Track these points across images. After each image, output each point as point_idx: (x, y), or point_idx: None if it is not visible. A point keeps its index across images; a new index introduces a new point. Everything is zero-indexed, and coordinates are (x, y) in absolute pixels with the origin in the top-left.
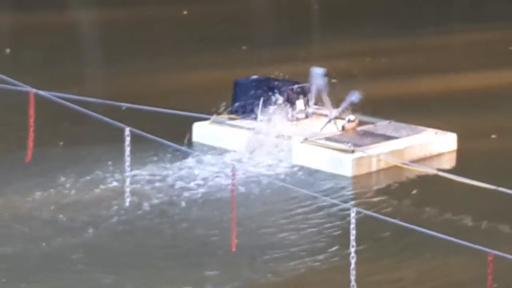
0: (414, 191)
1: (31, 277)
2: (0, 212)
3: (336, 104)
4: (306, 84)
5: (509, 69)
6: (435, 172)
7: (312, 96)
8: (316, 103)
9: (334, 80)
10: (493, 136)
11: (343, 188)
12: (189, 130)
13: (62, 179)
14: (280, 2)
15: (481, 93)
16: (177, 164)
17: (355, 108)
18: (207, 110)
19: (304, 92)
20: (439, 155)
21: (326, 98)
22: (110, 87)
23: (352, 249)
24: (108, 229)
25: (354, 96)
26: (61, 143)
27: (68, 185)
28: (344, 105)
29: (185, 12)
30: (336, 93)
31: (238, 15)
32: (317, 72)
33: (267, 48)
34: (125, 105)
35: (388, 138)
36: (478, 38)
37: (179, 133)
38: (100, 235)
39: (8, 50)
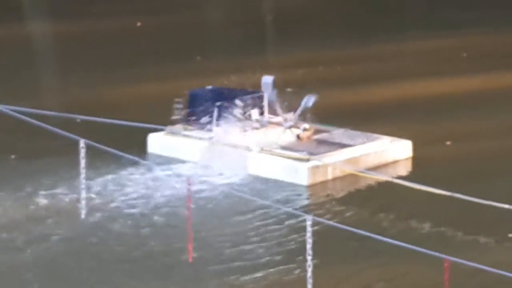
0: (371, 199)
1: None
2: None
3: (291, 111)
4: (260, 94)
5: (462, 76)
6: (390, 179)
7: (266, 105)
8: (271, 112)
9: (289, 89)
10: (447, 142)
11: (299, 196)
12: (144, 141)
13: (16, 192)
14: (234, 13)
15: (435, 100)
16: (133, 175)
17: (310, 113)
18: (162, 121)
19: (259, 102)
20: (395, 162)
21: (277, 107)
22: (65, 99)
23: (309, 258)
24: (62, 243)
25: (309, 100)
26: (14, 156)
27: (22, 198)
28: (299, 110)
29: (139, 24)
30: (291, 101)
31: (192, 26)
32: (267, 81)
33: (221, 58)
34: (79, 117)
35: (344, 146)
36: (431, 45)
37: (135, 144)
38: (54, 250)
39: None
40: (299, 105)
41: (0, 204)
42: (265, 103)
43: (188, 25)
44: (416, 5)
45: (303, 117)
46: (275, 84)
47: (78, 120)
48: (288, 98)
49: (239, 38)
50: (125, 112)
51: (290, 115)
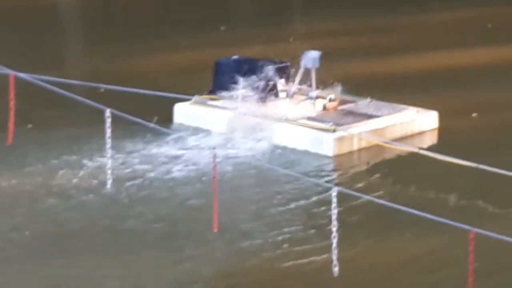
0: (396, 170)
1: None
2: None
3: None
4: (287, 64)
5: (487, 47)
6: (416, 150)
7: (297, 76)
8: (299, 83)
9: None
10: (474, 114)
11: (325, 167)
12: (170, 111)
13: (44, 160)
14: None
15: (461, 71)
16: (159, 145)
17: (336, 83)
18: (189, 91)
19: (285, 72)
20: (421, 133)
21: (313, 79)
22: (89, 69)
23: (334, 228)
24: (89, 211)
25: (315, 60)
26: (42, 125)
27: (49, 166)
28: (299, 72)
29: None
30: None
31: None
32: (313, 56)
33: (245, 28)
34: (104, 86)
35: (370, 116)
36: (456, 16)
37: (161, 114)
38: (81, 217)
39: None
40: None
41: (29, 171)
42: (299, 74)
43: None
44: None
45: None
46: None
47: (102, 90)
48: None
49: (262, 8)
50: (151, 82)
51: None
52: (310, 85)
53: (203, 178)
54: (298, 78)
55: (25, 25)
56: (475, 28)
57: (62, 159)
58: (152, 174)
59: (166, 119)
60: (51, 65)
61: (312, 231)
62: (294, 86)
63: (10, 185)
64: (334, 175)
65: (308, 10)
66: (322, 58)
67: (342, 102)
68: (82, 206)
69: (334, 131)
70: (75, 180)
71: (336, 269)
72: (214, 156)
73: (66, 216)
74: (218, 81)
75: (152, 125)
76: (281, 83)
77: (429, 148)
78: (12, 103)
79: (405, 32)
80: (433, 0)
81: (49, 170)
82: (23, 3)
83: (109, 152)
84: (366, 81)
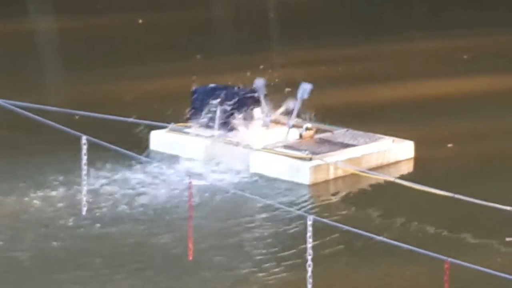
0: (372, 199)
1: None
2: None
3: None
4: (262, 93)
5: (464, 77)
6: (392, 179)
7: (265, 105)
8: (271, 113)
9: (288, 89)
10: (449, 145)
11: (300, 195)
12: (146, 138)
13: (19, 188)
14: (235, 11)
15: (438, 101)
16: (134, 172)
17: (311, 112)
18: (165, 118)
19: (261, 101)
20: (397, 162)
21: (265, 109)
22: (67, 95)
23: (309, 257)
24: (63, 239)
25: (305, 91)
26: (17, 152)
27: (24, 194)
28: (297, 103)
29: (140, 21)
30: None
31: (192, 23)
32: (259, 84)
33: (221, 57)
34: (81, 113)
35: (346, 146)
36: (434, 46)
37: (137, 141)
38: (54, 246)
39: None
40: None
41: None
42: (263, 104)
43: (188, 23)
44: (421, 4)
45: (304, 116)
46: (266, 86)
47: (77, 117)
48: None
49: (239, 37)
50: (127, 109)
51: (290, 113)
52: (287, 114)
53: (179, 205)
54: (296, 111)
55: (3, 51)
56: (452, 59)
57: (35, 185)
58: (127, 201)
59: (142, 146)
60: (29, 91)
61: (287, 259)
62: (269, 115)
63: None
64: (310, 204)
65: (285, 38)
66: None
67: (319, 131)
68: (57, 233)
69: (310, 159)
70: (50, 207)
71: None
72: (190, 183)
73: (41, 244)
74: (195, 108)
75: (128, 152)
76: (257, 112)
77: (405, 178)
78: None
79: (382, 62)
80: (411, 30)
81: (23, 197)
82: (0, 29)
83: (84, 179)
84: (342, 110)
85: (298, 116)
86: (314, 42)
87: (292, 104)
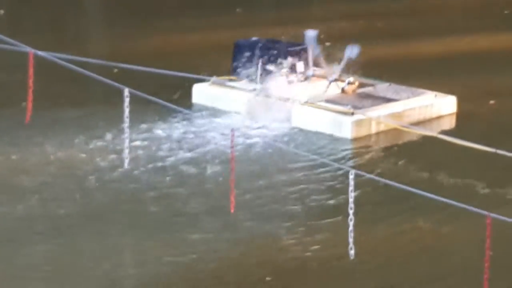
0: (414, 154)
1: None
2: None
3: (334, 64)
4: (305, 46)
5: (505, 33)
6: (434, 134)
7: (310, 58)
8: (315, 65)
9: (328, 43)
10: (491, 101)
11: (342, 150)
12: (189, 91)
13: (62, 139)
14: None
15: (478, 57)
16: (177, 125)
17: (354, 66)
18: (208, 71)
19: (304, 54)
20: (439, 117)
21: (321, 60)
22: (109, 48)
23: (351, 212)
24: (106, 190)
25: (353, 52)
26: (60, 103)
27: (67, 146)
28: (342, 62)
29: None
30: (334, 55)
31: None
32: (310, 35)
33: (262, 10)
34: (123, 66)
35: (388, 100)
36: (474, 0)
37: (180, 94)
38: (98, 196)
39: (1, 12)
40: (341, 57)
41: (43, 150)
42: (310, 56)
43: None
44: None
45: (347, 69)
46: (318, 38)
47: (115, 70)
48: (330, 51)
49: None
50: (170, 62)
51: (335, 68)
52: (324, 67)
53: (221, 158)
54: (311, 60)
55: (45, 4)
56: (492, 13)
57: (80, 137)
58: (170, 154)
59: (185, 99)
60: (71, 44)
61: (329, 213)
62: (312, 68)
63: (29, 163)
64: (352, 158)
65: None
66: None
67: (361, 85)
68: (100, 185)
69: (352, 114)
70: (92, 158)
71: (352, 252)
72: (232, 137)
73: (85, 195)
74: (237, 62)
75: (170, 105)
76: (300, 65)
77: (448, 133)
78: (31, 81)
79: (423, 16)
80: None
81: (66, 148)
82: None
83: (127, 131)
84: (384, 64)
85: (342, 72)
86: None
87: (352, 52)
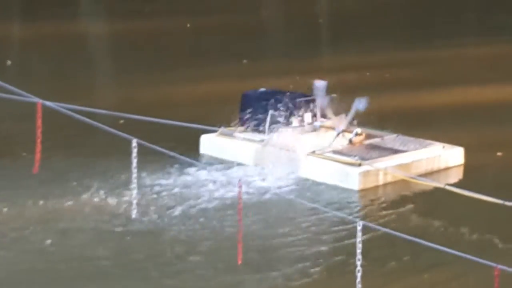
0: (422, 205)
1: None
2: (8, 220)
3: (341, 115)
4: (312, 97)
5: None
6: (442, 186)
7: (318, 109)
8: (323, 116)
9: (333, 95)
10: (499, 153)
11: (350, 201)
12: (196, 142)
13: (69, 190)
14: (284, 15)
15: (487, 108)
16: (184, 176)
17: (361, 118)
18: (215, 122)
19: (311, 105)
20: (446, 169)
21: (329, 111)
22: (117, 98)
23: (358, 263)
24: (114, 240)
25: (361, 104)
26: (68, 153)
27: (75, 196)
28: (350, 114)
29: (188, 25)
30: (341, 106)
31: (240, 28)
32: (319, 86)
33: (268, 61)
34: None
35: (396, 151)
36: (484, 52)
37: (186, 145)
38: (106, 246)
39: (9, 62)
40: (349, 109)
41: (53, 200)
42: (317, 107)
43: (235, 27)
44: (471, 9)
45: (354, 121)
46: (327, 89)
47: (121, 122)
48: (337, 102)
49: (286, 41)
50: (177, 112)
51: (342, 119)
52: (332, 118)
53: (228, 209)
54: (318, 110)
55: (54, 54)
56: (503, 64)
57: (86, 188)
58: (176, 204)
59: (192, 150)
60: (78, 93)
61: (336, 264)
62: (319, 119)
63: (37, 215)
64: (359, 209)
65: (333, 43)
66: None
67: (368, 137)
68: (107, 237)
69: (359, 165)
70: (100, 210)
71: None
72: (240, 188)
73: (92, 246)
74: (245, 113)
75: (178, 155)
76: (307, 116)
77: (455, 184)
78: (39, 131)
79: (432, 67)
80: (460, 36)
81: (73, 199)
82: (52, 31)
83: (134, 182)
84: (392, 116)
85: (349, 124)
86: (363, 47)
87: (360, 105)
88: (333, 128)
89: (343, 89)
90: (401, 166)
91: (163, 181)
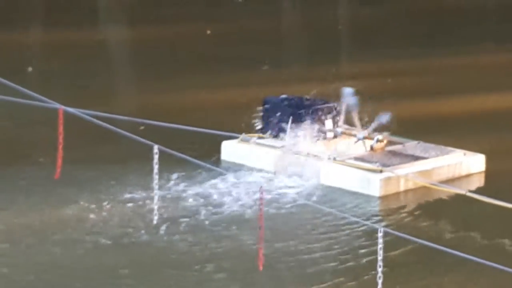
0: (443, 212)
1: None
2: (26, 227)
3: (364, 123)
4: (335, 104)
5: None
6: (464, 192)
7: (341, 115)
8: (345, 123)
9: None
10: None
11: (371, 207)
12: (217, 148)
13: (90, 196)
14: (304, 21)
15: (508, 114)
16: (205, 182)
17: (384, 128)
18: (235, 128)
19: (333, 112)
20: (468, 176)
21: (355, 118)
22: (137, 104)
23: (379, 270)
24: (134, 247)
25: (384, 118)
26: (89, 160)
27: (96, 202)
28: (373, 125)
29: (208, 32)
30: (363, 113)
31: (259, 34)
32: (348, 92)
33: (290, 67)
34: (151, 122)
35: (417, 158)
36: (505, 58)
37: (208, 151)
38: (126, 253)
39: (30, 69)
40: (372, 118)
41: (75, 207)
42: (342, 113)
43: (255, 34)
44: (490, 17)
45: (377, 130)
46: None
47: (141, 128)
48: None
49: (307, 48)
50: (198, 118)
51: (364, 127)
52: (356, 125)
53: (249, 216)
54: (342, 117)
55: (74, 60)
56: None
57: (107, 194)
58: (198, 211)
59: (213, 156)
60: (99, 99)
61: (357, 270)
62: (341, 126)
63: (58, 218)
64: (380, 216)
65: (352, 50)
66: (356, 95)
67: (389, 143)
68: (129, 243)
69: (381, 171)
70: (121, 216)
71: None
72: (261, 194)
73: (113, 253)
74: (266, 119)
75: (199, 162)
76: (329, 123)
77: (477, 191)
78: (61, 137)
79: (452, 74)
80: (480, 42)
81: (95, 205)
82: (72, 38)
83: (156, 188)
84: (413, 122)
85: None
86: (384, 53)
87: (383, 119)
88: (354, 135)
89: (364, 96)
90: (422, 173)
91: (184, 187)
